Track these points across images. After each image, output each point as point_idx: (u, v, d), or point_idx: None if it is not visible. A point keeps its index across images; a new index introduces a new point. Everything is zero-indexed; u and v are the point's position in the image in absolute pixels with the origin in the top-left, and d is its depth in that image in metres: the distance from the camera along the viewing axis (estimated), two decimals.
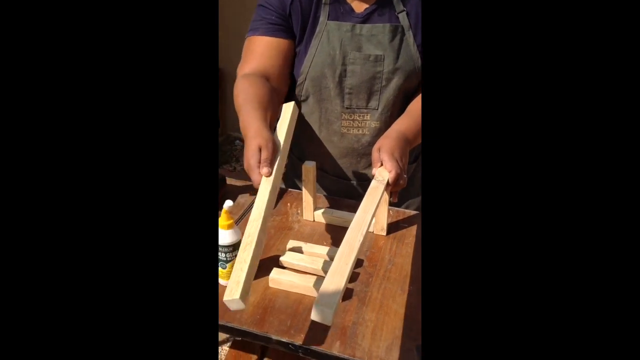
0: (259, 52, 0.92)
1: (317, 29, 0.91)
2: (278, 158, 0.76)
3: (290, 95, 1.01)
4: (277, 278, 0.77)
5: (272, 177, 0.73)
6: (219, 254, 0.75)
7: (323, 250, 0.84)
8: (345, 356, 0.65)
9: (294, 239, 0.88)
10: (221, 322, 0.71)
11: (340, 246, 0.61)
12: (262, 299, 0.75)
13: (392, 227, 0.93)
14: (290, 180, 1.15)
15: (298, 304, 0.74)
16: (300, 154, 1.07)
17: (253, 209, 0.69)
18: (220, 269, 0.76)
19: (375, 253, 0.87)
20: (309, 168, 0.90)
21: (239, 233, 0.75)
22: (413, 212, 1.00)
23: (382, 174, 0.79)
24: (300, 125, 1.03)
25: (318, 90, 0.95)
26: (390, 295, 0.76)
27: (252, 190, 1.07)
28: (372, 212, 0.69)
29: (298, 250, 0.85)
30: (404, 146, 0.84)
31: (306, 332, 0.68)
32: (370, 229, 0.92)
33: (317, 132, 1.01)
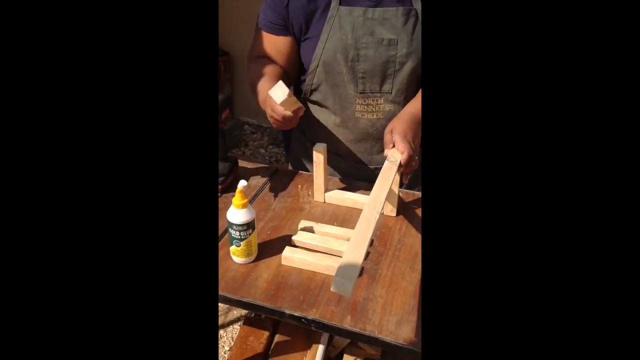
0: (265, 44, 0.99)
1: (329, 14, 0.90)
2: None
3: (299, 85, 1.03)
4: (289, 256, 0.79)
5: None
6: (234, 232, 0.77)
7: (334, 230, 0.86)
8: (357, 330, 0.67)
9: (305, 219, 0.90)
10: (236, 297, 0.73)
11: (358, 223, 0.62)
12: (276, 276, 0.77)
13: (402, 209, 0.95)
14: (301, 163, 1.16)
15: (310, 280, 0.76)
16: (313, 138, 1.08)
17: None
18: (234, 246, 0.79)
19: (385, 233, 0.89)
20: (320, 149, 0.91)
21: (253, 212, 0.78)
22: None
23: (395, 155, 0.80)
24: (315, 112, 1.04)
25: (331, 76, 0.96)
26: (400, 273, 0.78)
27: (264, 173, 1.09)
28: (386, 190, 0.71)
29: (309, 230, 0.87)
30: (416, 128, 0.85)
31: (318, 307, 0.71)
32: (382, 211, 0.94)
33: (332, 118, 1.02)
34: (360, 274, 0.78)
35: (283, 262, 0.80)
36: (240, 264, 0.80)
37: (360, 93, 0.96)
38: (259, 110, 0.90)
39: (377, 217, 0.64)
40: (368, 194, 0.70)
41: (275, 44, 0.98)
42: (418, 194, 1.02)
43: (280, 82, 0.78)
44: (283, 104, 0.78)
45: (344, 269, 0.54)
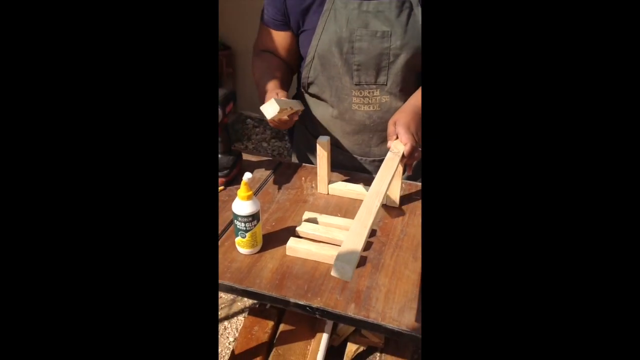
0: (268, 39, 1.03)
1: (325, 7, 0.92)
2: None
3: (298, 77, 1.07)
4: (294, 246, 0.81)
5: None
6: (239, 223, 0.78)
7: (337, 220, 0.88)
8: (360, 317, 0.69)
9: (309, 211, 0.91)
10: (242, 287, 0.75)
11: (359, 211, 0.63)
12: (280, 266, 0.79)
13: (405, 200, 0.96)
14: (304, 155, 1.17)
15: (314, 270, 0.78)
16: (315, 131, 1.10)
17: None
18: (239, 238, 0.80)
19: (388, 224, 0.90)
20: (323, 143, 0.93)
21: (258, 204, 0.79)
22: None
23: (398, 146, 0.81)
24: (313, 105, 1.06)
25: (327, 69, 0.97)
26: (403, 262, 0.79)
27: (267, 165, 1.10)
28: (388, 181, 0.72)
29: (313, 221, 0.88)
30: (419, 120, 0.86)
31: (322, 296, 0.72)
32: (384, 202, 0.95)
33: (329, 110, 1.04)
34: (364, 263, 0.79)
35: (287, 253, 0.81)
36: (245, 255, 0.82)
37: (356, 85, 0.97)
38: (262, 103, 0.93)
39: (378, 205, 0.65)
40: (370, 186, 0.72)
41: (277, 39, 1.01)
42: (420, 185, 1.03)
43: (272, 100, 0.81)
44: (274, 118, 0.84)
45: (344, 254, 0.55)
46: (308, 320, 1.09)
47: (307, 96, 1.07)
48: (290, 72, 1.06)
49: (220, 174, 0.99)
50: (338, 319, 0.71)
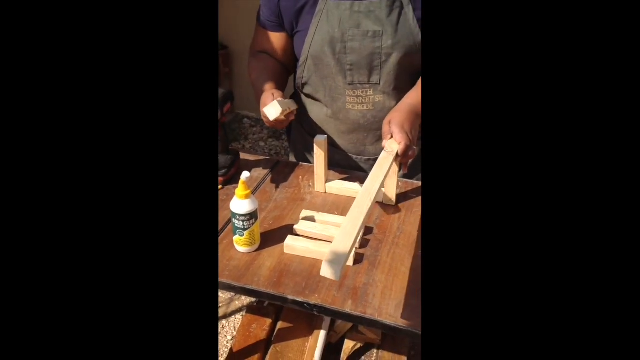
0: (264, 40, 1.04)
1: (317, 8, 0.93)
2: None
3: (294, 78, 1.08)
4: (291, 244, 0.82)
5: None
6: (237, 222, 0.79)
7: (334, 218, 0.89)
8: (357, 313, 0.70)
9: (306, 209, 0.92)
10: (240, 284, 0.76)
11: (350, 210, 0.64)
12: (278, 264, 0.80)
13: (401, 198, 0.97)
14: (302, 154, 1.18)
15: (312, 267, 0.79)
16: (311, 130, 1.11)
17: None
18: (238, 236, 0.81)
19: (385, 221, 0.91)
20: (320, 142, 0.94)
21: (256, 202, 0.80)
22: (421, 183, 1.04)
23: (392, 145, 0.82)
24: (308, 105, 1.07)
25: (320, 69, 0.98)
26: (399, 259, 0.80)
27: (265, 165, 1.11)
28: (381, 180, 0.73)
29: (311, 219, 0.89)
30: (413, 119, 0.87)
31: (320, 293, 0.73)
32: (381, 200, 0.96)
33: (324, 110, 1.05)
34: (361, 260, 0.80)
35: (285, 251, 0.82)
36: (243, 253, 0.82)
37: (350, 84, 0.98)
38: (258, 104, 0.94)
39: (370, 204, 0.66)
40: None
41: (272, 40, 1.02)
42: (417, 183, 1.04)
43: (275, 102, 0.83)
44: (276, 119, 0.85)
45: (333, 255, 0.56)
46: (306, 318, 1.10)
47: (302, 96, 1.08)
48: (286, 72, 1.07)
49: (218, 173, 1.00)
50: (335, 315, 0.72)
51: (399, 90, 0.98)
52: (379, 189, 0.71)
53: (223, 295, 1.69)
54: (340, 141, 1.08)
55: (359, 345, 1.14)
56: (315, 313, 0.73)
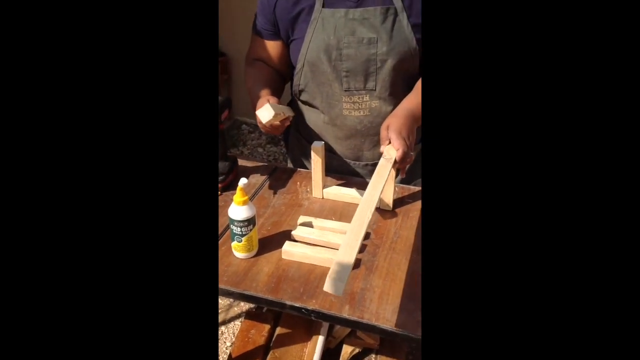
0: (260, 48, 1.06)
1: (312, 16, 0.94)
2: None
3: (291, 85, 1.09)
4: (289, 250, 0.82)
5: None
6: (235, 228, 0.80)
7: (332, 224, 0.89)
8: (355, 318, 0.70)
9: (304, 215, 0.93)
10: (238, 290, 0.76)
11: (351, 222, 0.65)
12: (276, 269, 0.80)
13: (398, 203, 0.98)
14: (299, 161, 1.19)
15: (310, 273, 0.79)
16: (309, 137, 1.12)
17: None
18: (236, 242, 0.82)
19: (382, 226, 0.92)
20: (317, 148, 0.95)
21: (253, 209, 0.80)
22: (418, 189, 1.05)
23: (390, 152, 0.83)
24: (305, 112, 1.08)
25: (317, 76, 1.00)
26: (396, 264, 0.81)
27: (263, 171, 1.12)
28: (380, 189, 0.74)
29: (308, 224, 0.90)
30: (411, 124, 0.88)
31: (317, 298, 0.74)
32: (378, 205, 0.97)
33: (321, 116, 1.06)
34: (358, 266, 0.81)
35: (283, 256, 0.83)
36: (241, 259, 0.83)
37: (346, 91, 0.99)
38: (254, 111, 0.95)
39: (370, 216, 0.66)
40: (364, 190, 0.73)
41: (268, 48, 1.04)
42: (414, 188, 1.05)
43: (268, 105, 0.84)
44: (269, 122, 0.87)
45: (336, 270, 0.57)
46: (304, 323, 1.10)
47: (299, 103, 1.09)
48: (282, 80, 1.09)
49: (218, 179, 1.01)
50: (333, 320, 0.73)
51: (395, 96, 0.99)
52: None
53: (222, 302, 1.69)
54: (338, 147, 1.09)
55: (357, 350, 1.14)
56: (313, 318, 0.73)
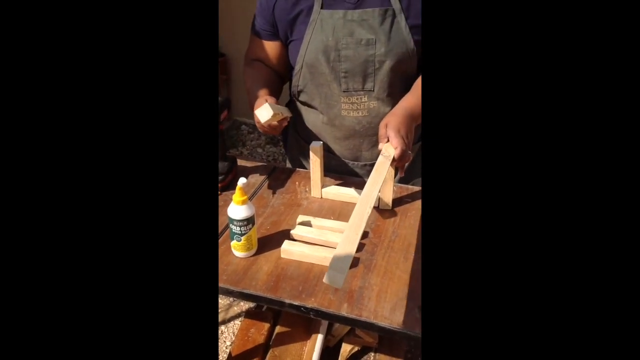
0: (258, 49, 1.07)
1: (311, 17, 0.95)
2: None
3: (289, 86, 1.10)
4: (288, 249, 0.83)
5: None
6: (234, 227, 0.80)
7: (330, 223, 0.90)
8: (353, 316, 0.71)
9: (303, 214, 0.93)
10: (238, 289, 0.77)
11: (351, 217, 0.66)
12: (275, 268, 0.81)
13: (397, 202, 0.99)
14: (298, 161, 1.20)
15: (308, 272, 0.80)
16: (307, 137, 1.12)
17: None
18: (235, 241, 0.82)
19: (381, 226, 0.92)
20: (316, 148, 0.95)
21: (252, 208, 0.81)
22: (416, 188, 1.05)
23: (389, 149, 0.84)
24: (304, 112, 1.09)
25: (315, 77, 1.00)
26: (394, 262, 0.82)
27: (262, 171, 1.12)
28: (379, 185, 0.74)
29: (307, 224, 0.90)
30: (409, 123, 0.89)
31: (316, 296, 0.74)
32: (377, 205, 0.97)
33: (320, 117, 1.07)
34: (357, 264, 0.81)
35: (282, 255, 0.83)
36: (241, 258, 0.84)
37: (344, 92, 1.00)
38: (252, 111, 0.96)
39: (369, 211, 0.67)
40: (362, 190, 0.74)
41: (267, 49, 1.04)
42: (412, 187, 1.06)
43: (267, 104, 0.85)
44: (267, 121, 0.87)
45: (336, 263, 0.57)
46: (303, 322, 1.11)
47: (298, 104, 1.10)
48: (280, 80, 1.10)
49: (218, 179, 1.02)
50: (332, 318, 0.74)
51: (393, 97, 1.00)
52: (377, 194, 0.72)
53: (222, 301, 1.70)
54: (337, 147, 1.10)
55: (356, 349, 1.15)
56: (312, 316, 0.74)
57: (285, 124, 0.96)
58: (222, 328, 1.61)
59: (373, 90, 0.99)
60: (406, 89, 1.01)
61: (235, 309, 1.68)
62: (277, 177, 1.10)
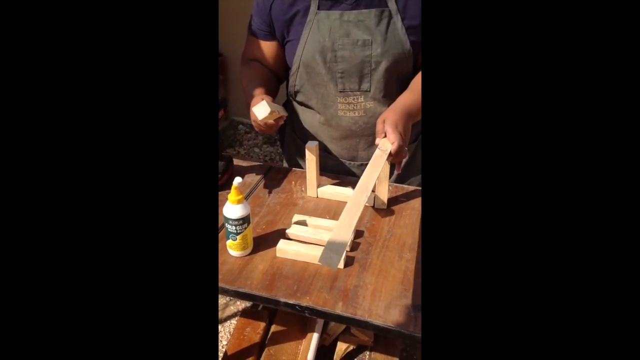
0: (255, 49, 1.07)
1: (308, 18, 0.96)
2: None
3: (286, 86, 1.10)
4: (283, 248, 0.83)
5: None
6: (230, 227, 0.81)
7: (326, 222, 0.91)
8: (348, 314, 0.71)
9: (298, 214, 0.94)
10: (233, 288, 0.77)
11: (347, 204, 0.66)
12: (271, 267, 0.81)
13: (392, 201, 0.99)
14: (295, 160, 1.20)
15: (303, 270, 0.80)
16: (304, 137, 1.13)
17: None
18: (230, 240, 0.82)
19: (376, 225, 0.93)
20: (312, 147, 0.96)
21: (248, 207, 0.81)
22: (412, 188, 1.06)
23: (385, 144, 0.85)
24: (301, 112, 1.09)
25: (312, 77, 1.01)
26: (389, 261, 0.82)
27: (258, 170, 1.12)
28: (376, 176, 0.75)
29: (303, 223, 0.91)
30: (407, 120, 0.89)
31: (311, 295, 0.75)
32: (372, 204, 0.98)
33: (316, 117, 1.07)
34: (352, 263, 0.82)
35: (278, 254, 0.84)
36: (236, 257, 0.84)
37: (341, 92, 1.00)
38: (249, 110, 0.96)
39: (366, 199, 0.68)
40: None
41: (264, 49, 1.05)
42: (408, 187, 1.06)
43: (264, 102, 0.85)
44: (264, 119, 0.87)
45: (332, 244, 0.57)
46: (299, 321, 1.11)
47: (295, 104, 1.10)
48: (277, 80, 1.10)
49: (217, 178, 1.02)
50: (326, 317, 0.74)
51: (389, 97, 1.00)
52: (373, 184, 0.72)
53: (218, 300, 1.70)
54: (333, 147, 1.10)
55: (351, 348, 1.15)
56: (307, 315, 0.74)
57: (282, 122, 0.97)
58: (218, 327, 1.61)
59: (369, 91, 1.00)
60: (402, 89, 1.02)
61: (232, 308, 1.68)
62: (273, 177, 1.10)
